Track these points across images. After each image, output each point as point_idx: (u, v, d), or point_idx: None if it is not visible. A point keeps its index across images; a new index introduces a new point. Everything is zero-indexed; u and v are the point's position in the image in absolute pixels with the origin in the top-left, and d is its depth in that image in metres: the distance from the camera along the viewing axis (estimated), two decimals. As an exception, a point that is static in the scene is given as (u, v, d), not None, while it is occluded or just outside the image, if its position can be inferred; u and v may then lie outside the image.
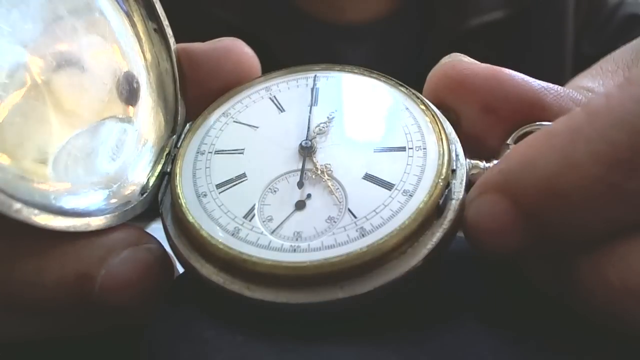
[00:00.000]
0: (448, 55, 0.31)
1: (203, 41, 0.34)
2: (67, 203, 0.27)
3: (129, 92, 0.31)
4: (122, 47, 0.32)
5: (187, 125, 0.33)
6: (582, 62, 0.41)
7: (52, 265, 0.26)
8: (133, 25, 0.32)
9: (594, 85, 0.30)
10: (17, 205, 0.23)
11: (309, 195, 0.28)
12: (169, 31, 0.33)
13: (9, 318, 0.29)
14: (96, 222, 0.27)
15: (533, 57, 0.77)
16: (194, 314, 0.26)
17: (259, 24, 0.75)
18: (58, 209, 0.26)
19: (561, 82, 0.34)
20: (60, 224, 0.25)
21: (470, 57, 0.31)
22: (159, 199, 0.30)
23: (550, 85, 0.29)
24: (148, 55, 0.33)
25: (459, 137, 0.29)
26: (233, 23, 0.74)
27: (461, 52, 0.31)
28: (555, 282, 0.24)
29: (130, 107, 0.31)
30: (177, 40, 0.34)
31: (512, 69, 0.29)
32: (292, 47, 0.76)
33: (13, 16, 0.26)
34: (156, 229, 0.30)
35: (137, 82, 0.32)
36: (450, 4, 0.75)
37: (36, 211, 0.24)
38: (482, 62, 0.30)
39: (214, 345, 0.24)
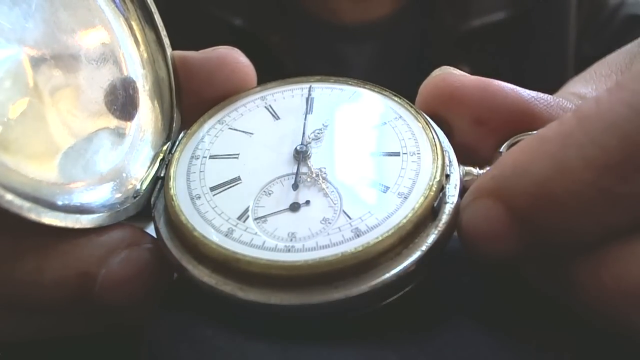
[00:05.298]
0: (439, 68, 0.31)
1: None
2: (59, 199, 0.27)
3: (125, 97, 0.32)
4: (121, 53, 0.32)
5: (182, 133, 0.33)
6: (584, 63, 0.41)
7: (53, 264, 0.26)
8: (132, 32, 0.32)
9: (587, 90, 0.30)
10: (9, 197, 0.23)
11: (307, 202, 0.28)
12: (166, 41, 0.33)
13: (10, 318, 0.29)
14: (86, 220, 0.27)
15: (535, 58, 0.77)
16: (194, 313, 0.26)
17: (261, 25, 0.75)
18: (50, 204, 0.26)
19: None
20: (50, 218, 0.25)
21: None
22: (152, 202, 0.30)
23: (540, 94, 0.29)
24: (146, 62, 0.33)
25: (452, 146, 0.30)
26: (235, 24, 0.75)
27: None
28: (552, 283, 0.24)
29: (127, 111, 0.32)
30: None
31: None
32: (293, 48, 0.76)
33: (14, 14, 0.26)
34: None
35: (135, 88, 0.32)
36: (452, 4, 0.75)
37: (28, 204, 0.24)
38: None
39: (214, 344, 0.24)
